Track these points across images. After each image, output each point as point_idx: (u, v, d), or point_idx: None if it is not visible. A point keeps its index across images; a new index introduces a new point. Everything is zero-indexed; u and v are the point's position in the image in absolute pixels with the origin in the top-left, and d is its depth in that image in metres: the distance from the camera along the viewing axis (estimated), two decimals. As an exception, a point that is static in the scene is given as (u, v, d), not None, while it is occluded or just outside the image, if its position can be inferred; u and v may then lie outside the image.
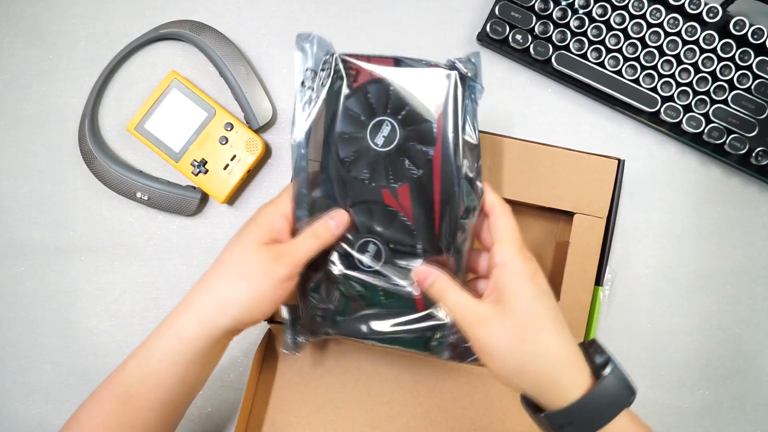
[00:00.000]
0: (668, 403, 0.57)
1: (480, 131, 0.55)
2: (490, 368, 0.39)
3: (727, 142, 0.56)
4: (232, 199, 0.59)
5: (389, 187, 0.43)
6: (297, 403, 0.54)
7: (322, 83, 0.43)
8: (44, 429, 0.58)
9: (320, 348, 0.54)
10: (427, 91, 0.43)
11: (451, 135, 0.42)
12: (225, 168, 0.57)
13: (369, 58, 0.43)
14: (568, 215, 0.53)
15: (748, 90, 0.56)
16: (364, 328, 0.45)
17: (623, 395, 0.38)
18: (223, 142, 0.57)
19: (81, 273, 0.59)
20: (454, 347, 0.45)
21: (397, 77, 0.43)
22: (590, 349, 0.40)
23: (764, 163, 0.56)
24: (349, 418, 0.54)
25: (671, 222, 0.59)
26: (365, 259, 0.44)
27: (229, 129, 0.57)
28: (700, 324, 0.58)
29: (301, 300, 0.46)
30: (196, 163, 0.57)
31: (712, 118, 0.56)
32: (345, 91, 0.43)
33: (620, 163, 0.54)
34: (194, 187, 0.58)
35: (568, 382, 0.37)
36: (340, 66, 0.43)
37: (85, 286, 0.59)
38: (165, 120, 0.57)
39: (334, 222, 0.43)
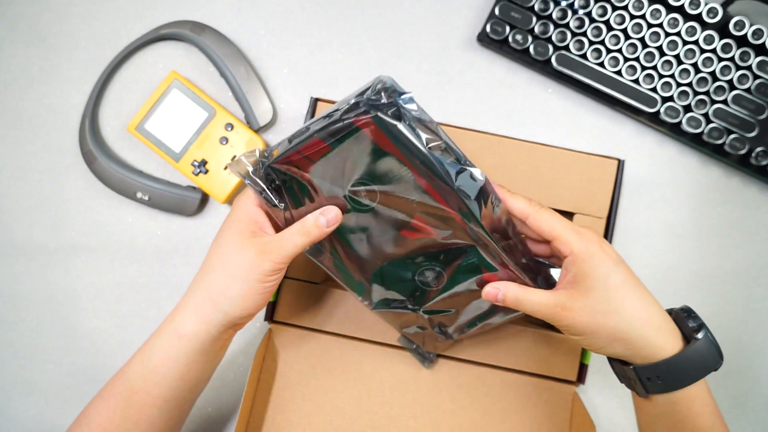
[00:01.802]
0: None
1: (480, 131, 0.55)
2: (583, 346, 0.42)
3: (727, 142, 0.56)
4: (232, 199, 0.59)
5: (406, 225, 0.43)
6: (297, 403, 0.54)
7: (279, 192, 0.43)
8: (44, 429, 0.58)
9: (320, 348, 0.54)
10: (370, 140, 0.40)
11: (421, 160, 0.39)
12: (225, 168, 0.57)
13: (295, 150, 0.41)
14: (568, 215, 0.53)
15: (748, 90, 0.56)
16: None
17: (712, 359, 0.40)
18: (224, 143, 0.57)
19: (81, 273, 0.59)
20: None
21: (331, 146, 0.41)
22: (683, 314, 0.41)
23: (764, 163, 0.56)
24: (349, 418, 0.54)
25: (671, 222, 0.59)
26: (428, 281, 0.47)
27: (229, 129, 0.57)
28: (700, 324, 0.58)
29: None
30: (196, 164, 0.57)
31: (712, 118, 0.56)
32: (301, 187, 0.43)
33: (620, 164, 0.54)
34: (195, 188, 0.58)
35: (660, 342, 0.39)
36: (275, 176, 0.43)
37: (85, 286, 0.59)
38: (165, 120, 0.57)
39: (326, 219, 0.43)
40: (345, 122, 0.39)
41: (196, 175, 0.57)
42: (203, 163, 0.57)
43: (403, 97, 0.39)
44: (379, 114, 0.38)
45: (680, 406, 0.40)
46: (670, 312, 0.42)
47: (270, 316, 0.54)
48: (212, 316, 0.42)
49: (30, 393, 0.58)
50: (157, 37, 0.59)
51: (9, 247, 0.59)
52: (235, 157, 0.57)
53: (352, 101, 0.39)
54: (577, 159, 0.54)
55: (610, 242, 0.53)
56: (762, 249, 0.58)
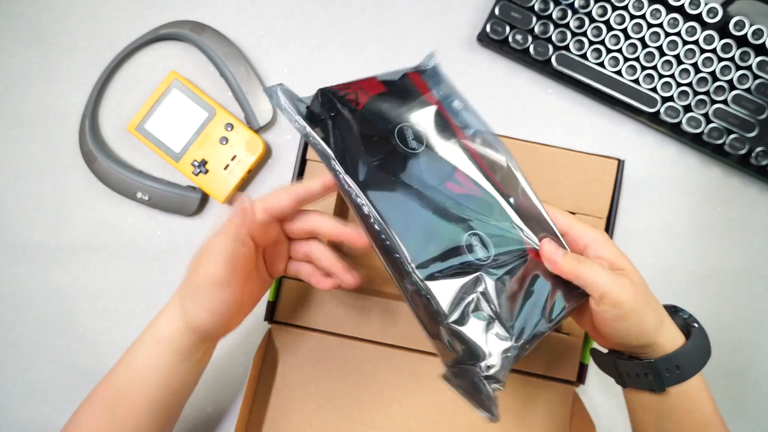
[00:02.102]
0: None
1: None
2: (616, 329, 0.41)
3: (727, 142, 0.56)
4: (232, 199, 0.59)
5: (450, 179, 0.43)
6: (297, 403, 0.54)
7: (328, 117, 0.43)
8: (44, 429, 0.58)
9: (321, 348, 0.54)
10: (416, 88, 0.46)
11: (461, 118, 0.45)
12: (225, 168, 0.57)
13: (354, 83, 0.45)
14: (568, 215, 0.53)
15: (748, 90, 0.56)
16: None
17: (708, 345, 0.43)
18: (224, 143, 0.57)
19: (81, 273, 0.59)
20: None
21: (385, 85, 0.45)
22: (671, 309, 0.44)
23: (764, 163, 0.56)
24: (350, 418, 0.54)
25: (671, 222, 0.59)
26: (478, 252, 0.41)
27: (229, 129, 0.57)
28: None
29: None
30: (196, 164, 0.57)
31: (712, 118, 0.57)
32: (352, 114, 0.43)
33: (620, 164, 0.54)
34: (195, 188, 0.58)
35: (673, 335, 0.42)
36: (333, 98, 0.43)
37: (86, 286, 0.59)
38: (165, 120, 0.57)
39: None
40: (401, 72, 0.46)
41: (196, 175, 0.57)
42: (203, 163, 0.57)
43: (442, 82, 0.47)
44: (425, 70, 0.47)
45: (691, 394, 0.42)
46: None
47: (270, 316, 0.54)
48: (185, 328, 0.42)
49: (30, 393, 0.58)
50: (157, 37, 0.59)
51: (9, 247, 0.59)
52: (235, 156, 0.57)
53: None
54: (577, 159, 0.54)
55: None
56: (762, 249, 0.58)
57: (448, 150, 0.44)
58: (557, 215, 0.44)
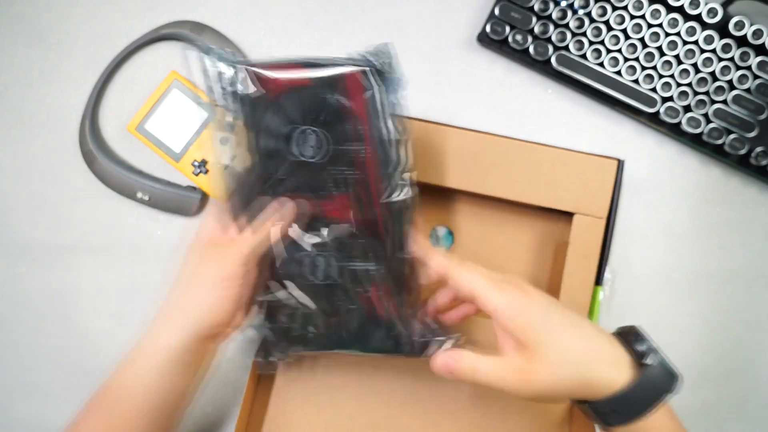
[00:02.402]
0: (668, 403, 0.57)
1: (480, 131, 0.55)
2: (545, 402, 0.41)
3: (727, 142, 0.56)
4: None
5: (329, 198, 0.42)
6: (297, 403, 0.54)
7: (235, 100, 0.41)
8: (44, 429, 0.58)
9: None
10: (347, 91, 0.41)
11: (380, 133, 0.41)
12: (226, 168, 0.57)
13: (279, 65, 0.41)
14: (568, 216, 0.53)
15: (747, 90, 0.56)
16: (332, 340, 0.46)
17: (665, 383, 0.38)
18: (224, 143, 0.57)
19: (81, 273, 0.59)
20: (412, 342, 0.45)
21: (312, 81, 0.41)
22: (630, 337, 0.40)
23: (764, 163, 0.56)
24: (349, 418, 0.54)
25: (671, 222, 0.59)
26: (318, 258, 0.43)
27: (229, 129, 0.57)
28: (700, 324, 0.58)
29: (266, 320, 0.46)
30: (196, 163, 0.57)
31: (712, 118, 0.57)
32: (260, 104, 0.41)
33: (620, 164, 0.54)
34: (195, 187, 0.58)
35: (613, 376, 0.38)
36: (248, 79, 0.41)
37: (86, 286, 0.59)
38: (166, 120, 0.57)
39: (281, 214, 0.43)
40: (336, 63, 0.41)
41: (197, 175, 0.57)
42: (203, 163, 0.57)
43: (394, 77, 0.41)
44: (370, 71, 0.40)
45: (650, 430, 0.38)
46: (620, 334, 0.41)
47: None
48: (183, 327, 0.42)
49: (30, 393, 0.58)
50: (157, 37, 0.59)
51: (9, 247, 0.59)
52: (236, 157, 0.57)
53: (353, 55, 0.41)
54: (577, 159, 0.54)
55: (610, 242, 0.53)
56: (762, 249, 0.58)
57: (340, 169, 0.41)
58: (435, 257, 0.42)
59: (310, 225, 0.43)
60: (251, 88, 0.41)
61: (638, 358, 0.39)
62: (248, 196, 0.43)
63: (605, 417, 0.39)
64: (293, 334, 0.46)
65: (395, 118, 0.41)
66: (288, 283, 0.44)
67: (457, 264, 0.41)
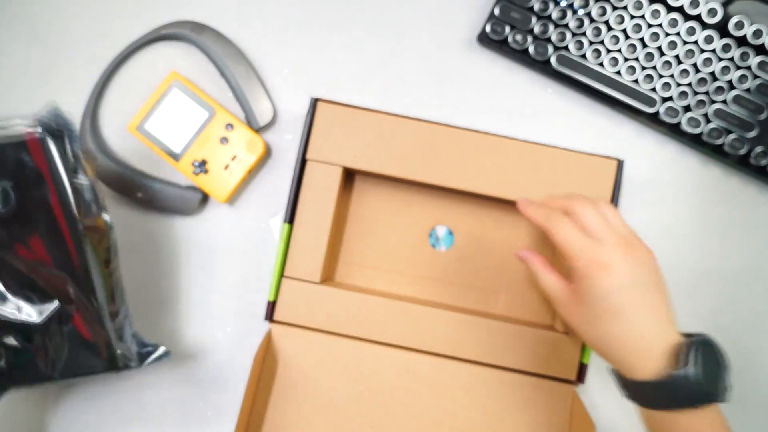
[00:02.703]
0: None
1: (479, 131, 0.55)
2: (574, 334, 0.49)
3: (727, 142, 0.56)
4: (232, 199, 0.59)
5: (21, 242, 0.46)
6: (297, 403, 0.54)
7: None
8: (44, 429, 0.58)
9: (321, 348, 0.54)
10: (27, 149, 0.46)
11: (62, 180, 0.46)
12: (225, 168, 0.57)
13: None
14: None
15: (747, 90, 0.56)
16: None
17: (687, 395, 0.40)
18: (224, 142, 0.57)
19: (81, 273, 0.59)
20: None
21: None
22: (685, 347, 0.41)
23: (764, 163, 0.56)
24: (350, 418, 0.54)
25: (671, 222, 0.59)
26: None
27: (229, 129, 0.57)
28: (700, 324, 0.58)
29: None
30: (196, 163, 0.57)
31: (712, 118, 0.57)
32: None
33: (620, 164, 0.54)
34: (195, 187, 0.58)
35: (640, 366, 0.41)
36: None
37: (85, 286, 0.59)
38: (165, 120, 0.57)
39: None
40: (15, 129, 0.46)
41: (196, 175, 0.57)
42: (203, 163, 0.57)
43: (73, 133, 0.46)
44: (48, 133, 0.46)
45: (675, 427, 0.41)
46: (689, 335, 0.43)
47: (270, 316, 0.54)
48: None
49: (30, 393, 0.58)
50: (157, 37, 0.59)
51: (9, 247, 0.59)
52: (236, 156, 0.57)
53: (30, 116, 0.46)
54: (577, 159, 0.54)
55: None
56: (762, 249, 0.58)
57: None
58: None
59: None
60: None
61: (677, 362, 0.40)
62: None
63: (623, 391, 0.43)
64: None
65: (75, 164, 0.47)
66: None
67: (557, 218, 0.46)
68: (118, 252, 0.51)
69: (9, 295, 0.46)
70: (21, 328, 0.47)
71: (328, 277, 0.57)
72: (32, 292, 0.47)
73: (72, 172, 0.46)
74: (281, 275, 0.54)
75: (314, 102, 0.55)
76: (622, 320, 0.42)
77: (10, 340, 0.47)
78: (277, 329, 0.55)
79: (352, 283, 0.58)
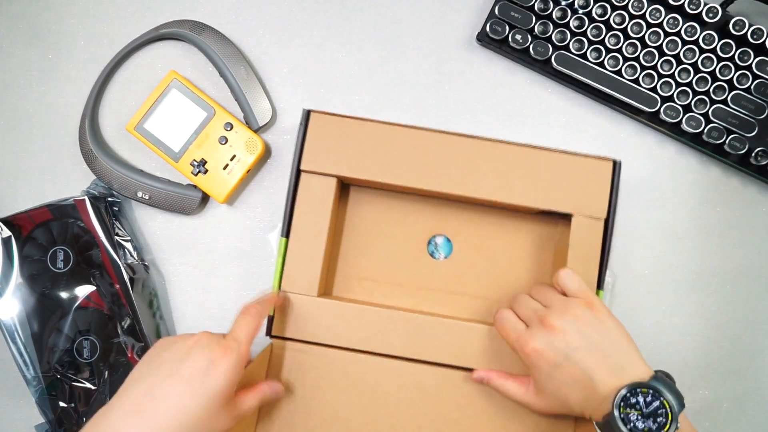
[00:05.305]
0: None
1: (476, 137, 0.55)
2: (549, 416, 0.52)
3: (727, 142, 0.56)
4: (231, 199, 0.59)
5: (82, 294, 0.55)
6: (302, 417, 0.53)
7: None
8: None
9: (323, 361, 0.54)
10: (78, 214, 0.55)
11: (108, 238, 0.55)
12: (225, 168, 0.57)
13: (26, 212, 0.55)
14: (567, 219, 0.53)
15: (747, 90, 0.56)
16: None
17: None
18: (223, 142, 0.57)
19: (81, 273, 0.59)
20: None
21: (51, 212, 0.55)
22: (629, 395, 0.43)
23: (764, 163, 0.56)
24: (353, 430, 0.53)
25: (671, 222, 0.59)
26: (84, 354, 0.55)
27: (228, 129, 0.57)
28: (700, 324, 0.58)
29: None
30: (195, 163, 0.57)
31: (712, 118, 0.56)
32: (15, 243, 0.55)
33: (616, 164, 0.54)
34: (195, 186, 0.58)
35: (585, 412, 0.46)
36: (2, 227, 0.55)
37: (85, 286, 0.59)
38: (165, 120, 0.57)
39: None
40: (67, 200, 0.56)
41: (196, 174, 0.57)
42: (203, 162, 0.57)
43: (115, 199, 0.58)
44: (93, 195, 0.57)
45: None
46: (655, 375, 0.45)
47: (269, 331, 0.54)
48: None
49: (30, 393, 0.58)
50: (156, 36, 0.59)
51: (9, 246, 0.59)
52: (235, 156, 0.57)
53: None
54: (573, 161, 0.53)
55: (610, 243, 0.53)
56: (762, 249, 0.58)
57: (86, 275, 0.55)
58: None
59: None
60: (5, 233, 0.55)
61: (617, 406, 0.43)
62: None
63: None
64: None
65: (117, 225, 0.57)
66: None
67: (499, 318, 0.51)
68: (158, 294, 0.58)
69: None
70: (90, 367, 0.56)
71: (326, 290, 0.56)
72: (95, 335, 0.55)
73: (113, 229, 0.56)
74: (279, 290, 0.54)
75: (307, 113, 0.54)
76: (574, 387, 0.45)
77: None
78: (278, 344, 0.54)
79: (350, 296, 0.57)
